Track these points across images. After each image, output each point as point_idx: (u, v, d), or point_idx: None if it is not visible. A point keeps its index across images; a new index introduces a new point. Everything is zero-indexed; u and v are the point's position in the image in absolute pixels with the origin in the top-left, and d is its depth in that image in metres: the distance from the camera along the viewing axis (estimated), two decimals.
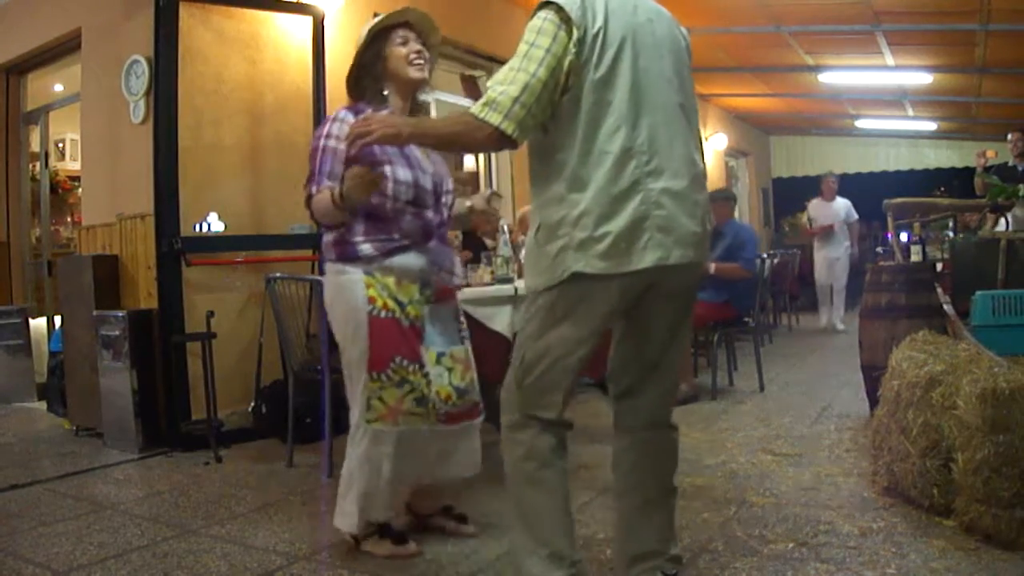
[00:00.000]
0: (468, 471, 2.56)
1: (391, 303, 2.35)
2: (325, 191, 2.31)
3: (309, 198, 2.38)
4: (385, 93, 2.47)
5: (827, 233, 8.24)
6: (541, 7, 1.77)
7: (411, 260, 2.39)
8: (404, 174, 2.36)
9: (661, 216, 1.76)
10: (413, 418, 2.37)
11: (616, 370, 1.99)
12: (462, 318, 2.60)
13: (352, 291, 2.34)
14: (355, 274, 2.35)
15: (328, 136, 2.37)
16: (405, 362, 2.34)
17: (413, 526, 2.63)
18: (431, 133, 1.99)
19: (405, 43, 2.43)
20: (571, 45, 1.73)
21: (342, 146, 2.32)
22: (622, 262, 1.75)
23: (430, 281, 2.44)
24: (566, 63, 1.73)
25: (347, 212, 2.31)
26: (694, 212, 1.83)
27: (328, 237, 2.41)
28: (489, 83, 1.77)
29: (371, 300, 2.33)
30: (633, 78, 1.78)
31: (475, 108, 1.74)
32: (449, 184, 2.56)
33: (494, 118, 1.71)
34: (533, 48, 1.73)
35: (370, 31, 2.44)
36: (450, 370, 2.44)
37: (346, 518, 2.42)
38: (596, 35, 1.75)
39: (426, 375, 2.37)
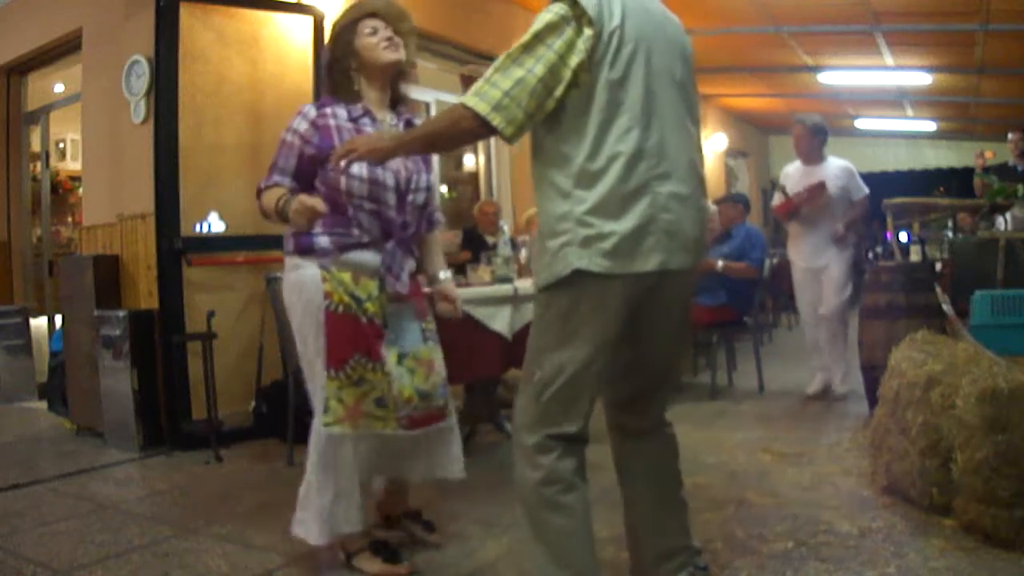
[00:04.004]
0: (447, 473, 2.42)
1: (347, 299, 2.25)
2: (273, 189, 2.30)
3: (259, 191, 2.35)
4: (356, 89, 2.38)
5: (807, 222, 4.68)
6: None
7: (368, 257, 2.30)
8: (358, 168, 2.22)
9: (667, 220, 1.75)
10: (373, 421, 2.26)
11: (614, 378, 1.92)
12: (429, 318, 2.47)
13: (308, 286, 2.27)
14: (310, 268, 2.27)
15: (288, 130, 2.35)
16: (364, 359, 2.24)
17: (379, 526, 2.56)
18: (414, 138, 1.96)
19: (374, 32, 2.35)
20: (581, 42, 1.68)
21: (297, 141, 2.32)
22: (626, 263, 1.72)
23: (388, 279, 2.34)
24: (572, 61, 1.68)
25: (281, 223, 2.28)
26: (697, 218, 1.83)
27: (288, 229, 2.34)
28: (488, 71, 1.73)
29: (327, 295, 2.24)
30: (646, 81, 1.76)
31: (465, 97, 1.72)
32: (423, 181, 2.41)
33: (482, 108, 1.68)
34: (537, 42, 1.69)
35: (335, 25, 2.38)
36: (412, 371, 2.32)
37: (303, 526, 2.27)
38: (612, 33, 1.71)
39: (387, 374, 2.25)
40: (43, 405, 5.07)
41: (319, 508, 2.24)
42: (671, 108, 1.80)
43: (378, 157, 2.01)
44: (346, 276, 2.26)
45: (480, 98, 1.69)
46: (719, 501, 2.85)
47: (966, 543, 2.32)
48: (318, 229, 2.27)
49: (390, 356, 2.28)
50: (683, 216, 1.78)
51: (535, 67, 1.67)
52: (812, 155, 4.75)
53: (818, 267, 4.68)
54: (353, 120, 2.33)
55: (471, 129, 1.74)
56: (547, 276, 1.78)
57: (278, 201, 2.24)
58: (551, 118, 1.75)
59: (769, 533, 2.51)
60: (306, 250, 2.29)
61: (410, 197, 2.36)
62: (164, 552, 2.55)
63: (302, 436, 3.61)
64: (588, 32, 1.69)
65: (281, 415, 3.72)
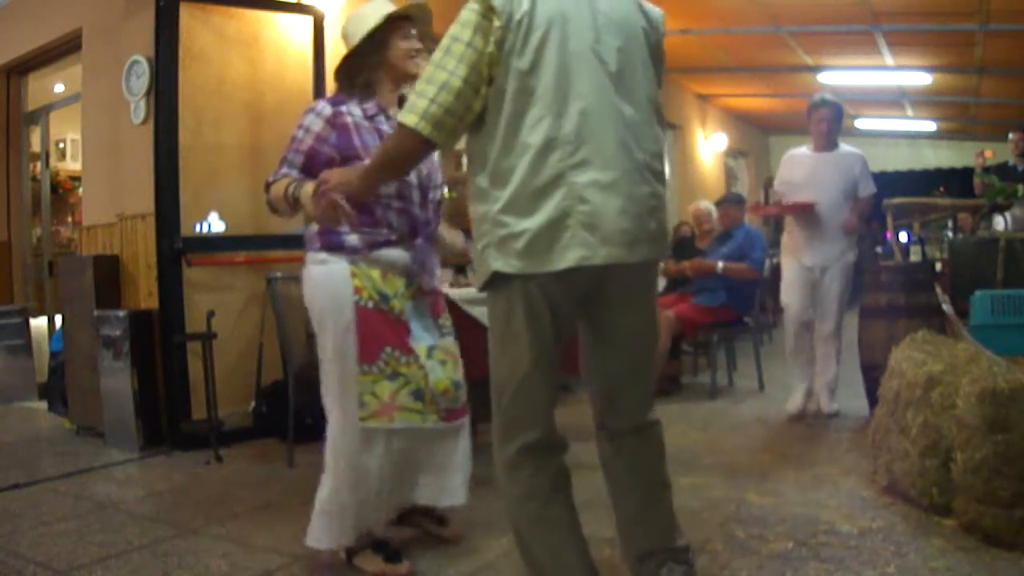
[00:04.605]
0: (454, 499, 2.42)
1: (375, 295, 2.26)
2: (282, 180, 2.29)
3: (267, 185, 2.35)
4: (373, 82, 2.39)
5: (810, 216, 4.14)
6: None
7: (396, 254, 2.31)
8: None
9: (585, 211, 1.64)
10: (411, 414, 2.26)
11: (588, 375, 1.91)
12: (445, 314, 2.51)
13: (337, 281, 2.26)
14: (339, 263, 2.26)
15: (300, 127, 2.35)
16: (397, 352, 2.25)
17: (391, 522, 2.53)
18: (372, 167, 1.93)
19: (407, 38, 2.37)
20: (491, 35, 1.64)
21: (308, 139, 2.32)
22: (540, 262, 1.65)
23: (415, 275, 2.37)
24: (488, 55, 1.65)
25: (292, 212, 2.29)
26: (627, 207, 1.68)
27: (312, 227, 2.32)
28: (417, 82, 1.72)
29: (357, 290, 2.25)
30: (560, 63, 1.66)
31: (399, 114, 1.71)
32: (438, 179, 2.47)
33: (411, 120, 1.66)
34: (455, 43, 1.66)
35: (387, 17, 2.34)
36: (443, 363, 2.35)
37: (327, 534, 2.26)
38: (520, 21, 1.65)
39: (422, 367, 2.28)
40: (43, 405, 5.07)
41: (343, 508, 2.24)
42: (595, 90, 1.68)
43: (350, 191, 1.99)
44: (375, 273, 2.28)
45: (410, 111, 1.68)
46: (719, 501, 2.85)
47: (966, 543, 2.32)
48: (345, 228, 2.25)
49: (420, 349, 2.30)
50: (605, 206, 1.65)
51: (457, 68, 1.65)
52: (832, 141, 4.26)
53: (819, 267, 4.14)
54: (369, 118, 2.34)
55: (408, 144, 1.73)
56: (479, 279, 1.78)
57: (287, 187, 2.24)
58: (477, 118, 1.72)
59: (769, 533, 2.51)
60: (335, 247, 2.28)
61: (431, 194, 2.41)
62: (164, 552, 2.55)
63: (302, 436, 3.65)
64: (496, 24, 1.65)
65: (281, 415, 3.72)
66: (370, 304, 2.25)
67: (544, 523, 1.74)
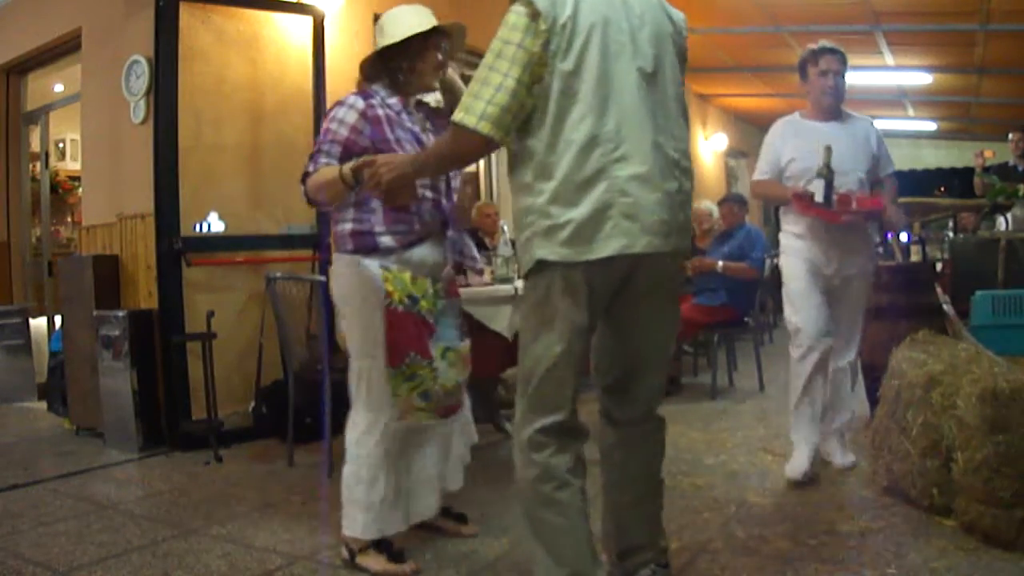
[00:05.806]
0: (447, 483, 2.53)
1: (405, 299, 2.34)
2: (324, 168, 2.33)
3: (306, 175, 2.39)
4: (400, 81, 2.44)
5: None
6: (513, 1, 1.78)
7: (427, 253, 2.39)
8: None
9: (626, 203, 1.74)
10: (419, 413, 2.37)
11: (602, 364, 1.97)
12: (459, 313, 2.60)
13: (369, 284, 2.32)
14: (372, 267, 2.33)
15: (332, 119, 2.40)
16: (418, 357, 2.34)
17: (413, 526, 2.57)
18: (430, 160, 2.02)
19: (438, 52, 2.42)
20: (539, 37, 1.73)
21: (343, 130, 2.35)
22: (585, 249, 1.74)
23: (440, 275, 2.45)
24: (538, 55, 1.73)
25: (347, 191, 2.30)
26: (663, 200, 1.79)
27: (345, 227, 2.37)
28: (471, 84, 1.79)
29: (388, 294, 2.31)
30: (601, 67, 1.76)
31: (454, 115, 1.77)
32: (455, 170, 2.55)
33: (470, 121, 1.74)
34: (506, 45, 1.75)
35: (435, 28, 2.39)
36: (452, 365, 2.43)
37: (357, 524, 2.35)
38: (565, 25, 1.74)
39: (434, 370, 2.36)
40: (43, 405, 5.07)
41: (369, 504, 2.32)
42: (631, 91, 1.78)
43: (402, 181, 2.07)
44: (406, 276, 2.35)
45: (467, 112, 1.75)
46: (719, 501, 2.85)
47: (966, 543, 2.32)
48: (380, 227, 2.34)
49: (436, 351, 2.38)
50: (644, 198, 1.76)
51: (511, 70, 1.73)
52: (840, 103, 3.22)
53: (843, 276, 3.07)
54: (396, 113, 2.41)
55: (468, 144, 1.80)
56: (523, 267, 1.85)
57: (341, 169, 2.26)
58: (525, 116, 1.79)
59: (769, 533, 2.51)
60: (369, 249, 2.34)
61: (453, 184, 2.51)
62: (164, 552, 2.55)
63: (302, 436, 3.66)
64: (542, 27, 1.73)
65: (281, 415, 3.72)
66: (400, 308, 2.32)
67: (555, 505, 1.78)
